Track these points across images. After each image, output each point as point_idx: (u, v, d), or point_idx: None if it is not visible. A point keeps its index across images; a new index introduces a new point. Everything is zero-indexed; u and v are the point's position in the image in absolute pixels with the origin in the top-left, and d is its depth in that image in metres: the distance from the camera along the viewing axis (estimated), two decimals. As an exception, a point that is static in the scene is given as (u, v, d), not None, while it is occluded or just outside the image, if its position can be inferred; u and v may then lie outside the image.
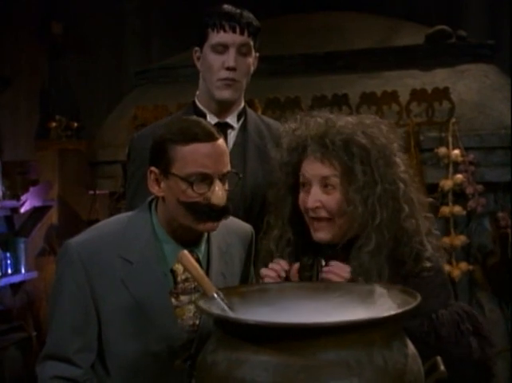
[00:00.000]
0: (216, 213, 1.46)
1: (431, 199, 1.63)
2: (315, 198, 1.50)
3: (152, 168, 1.48)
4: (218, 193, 1.44)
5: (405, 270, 1.49)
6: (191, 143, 1.43)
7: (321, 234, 1.52)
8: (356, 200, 1.47)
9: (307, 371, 1.04)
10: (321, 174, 1.50)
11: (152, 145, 1.49)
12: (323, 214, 1.50)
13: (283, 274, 1.48)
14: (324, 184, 1.50)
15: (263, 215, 1.71)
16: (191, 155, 1.42)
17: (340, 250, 1.53)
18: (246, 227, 1.71)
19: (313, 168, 1.51)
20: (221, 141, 1.47)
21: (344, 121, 1.53)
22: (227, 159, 1.48)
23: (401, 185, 1.50)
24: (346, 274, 1.44)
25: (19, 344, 3.82)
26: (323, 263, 1.52)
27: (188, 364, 1.48)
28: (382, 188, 1.47)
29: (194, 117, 1.56)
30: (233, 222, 1.63)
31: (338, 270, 1.45)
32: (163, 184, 1.47)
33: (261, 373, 1.05)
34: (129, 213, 1.59)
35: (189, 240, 1.52)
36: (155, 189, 1.49)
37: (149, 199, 1.56)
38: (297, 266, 1.51)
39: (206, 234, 1.56)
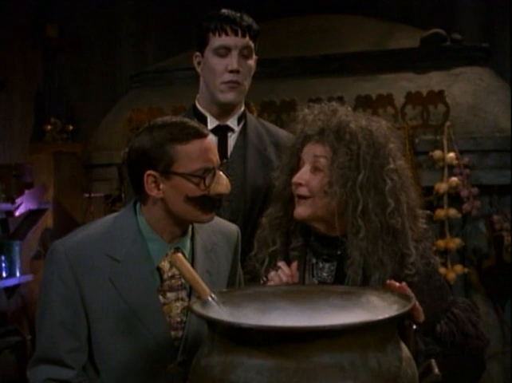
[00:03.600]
0: (220, 202, 1.53)
1: (428, 212, 1.65)
2: (302, 175, 1.57)
3: (150, 171, 1.48)
4: (224, 182, 1.51)
5: (392, 271, 1.50)
6: (191, 140, 1.47)
7: (300, 209, 1.57)
8: (334, 179, 1.52)
9: (301, 374, 1.04)
10: (314, 153, 1.57)
11: (147, 149, 1.49)
12: (304, 192, 1.56)
13: (285, 280, 1.51)
14: (314, 164, 1.56)
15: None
16: (194, 152, 1.47)
17: (335, 252, 1.56)
18: (232, 226, 1.74)
19: (309, 148, 1.58)
20: (210, 135, 1.55)
21: (347, 112, 1.61)
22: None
23: (388, 182, 1.53)
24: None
25: (14, 347, 3.81)
26: (314, 261, 1.58)
27: (182, 367, 1.48)
28: (365, 177, 1.51)
29: (180, 118, 1.58)
30: (218, 221, 1.67)
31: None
32: (163, 186, 1.48)
33: (256, 376, 1.05)
34: (115, 213, 1.61)
35: (174, 238, 1.55)
36: (154, 192, 1.49)
37: (133, 199, 1.58)
38: (295, 265, 1.54)
39: (190, 232, 1.58)
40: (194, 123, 1.52)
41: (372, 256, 1.49)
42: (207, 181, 1.48)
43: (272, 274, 1.52)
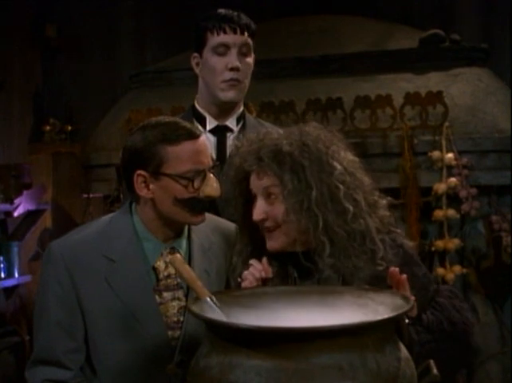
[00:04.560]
0: (209, 204, 1.52)
1: (389, 198, 1.61)
2: (259, 210, 1.53)
3: (140, 171, 1.48)
4: (214, 185, 1.49)
5: (364, 272, 1.48)
6: (182, 142, 1.46)
7: (271, 242, 1.54)
8: (289, 207, 1.48)
9: (300, 375, 1.04)
10: (262, 185, 1.53)
11: (138, 149, 1.48)
12: (269, 224, 1.53)
13: (258, 275, 1.51)
14: (268, 195, 1.53)
15: None
16: (185, 154, 1.46)
17: (310, 262, 1.53)
18: (231, 225, 1.71)
19: (254, 181, 1.54)
20: (203, 136, 1.52)
21: (276, 133, 1.56)
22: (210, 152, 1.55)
23: (341, 187, 1.49)
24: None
25: (12, 348, 3.81)
26: (295, 274, 1.55)
27: (181, 367, 1.48)
28: (318, 192, 1.48)
29: (174, 118, 1.58)
30: (217, 221, 1.67)
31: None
32: (152, 186, 1.48)
33: (254, 377, 1.05)
34: (111, 214, 1.61)
35: (168, 238, 1.55)
36: (143, 192, 1.49)
37: (129, 200, 1.58)
38: (265, 259, 1.53)
39: (186, 232, 1.58)
40: (187, 124, 1.51)
41: (346, 265, 1.47)
42: (196, 183, 1.47)
43: (245, 273, 1.51)
